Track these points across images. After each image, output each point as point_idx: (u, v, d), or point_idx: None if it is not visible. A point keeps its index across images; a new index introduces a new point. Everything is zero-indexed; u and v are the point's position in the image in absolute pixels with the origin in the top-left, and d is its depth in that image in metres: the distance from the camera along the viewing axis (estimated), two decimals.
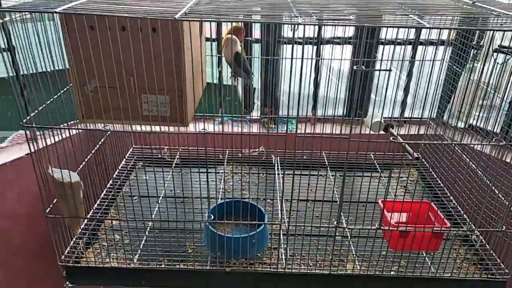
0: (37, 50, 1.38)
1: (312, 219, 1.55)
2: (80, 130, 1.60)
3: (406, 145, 1.59)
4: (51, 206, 1.53)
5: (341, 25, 1.42)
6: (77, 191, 1.46)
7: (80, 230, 1.63)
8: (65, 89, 1.54)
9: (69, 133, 1.47)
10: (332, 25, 1.32)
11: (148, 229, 1.84)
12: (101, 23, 1.36)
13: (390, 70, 1.25)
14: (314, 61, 2.43)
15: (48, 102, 1.47)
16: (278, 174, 2.27)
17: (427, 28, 1.17)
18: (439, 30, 1.99)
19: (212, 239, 1.57)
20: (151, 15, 1.24)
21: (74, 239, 1.71)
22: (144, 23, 1.40)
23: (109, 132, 2.10)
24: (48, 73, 1.40)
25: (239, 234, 1.61)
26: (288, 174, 2.32)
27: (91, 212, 1.90)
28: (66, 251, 1.66)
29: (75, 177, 1.46)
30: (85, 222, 1.81)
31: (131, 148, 2.52)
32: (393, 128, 2.37)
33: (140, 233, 1.82)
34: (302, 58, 1.34)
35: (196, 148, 2.26)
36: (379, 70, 1.30)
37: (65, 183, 1.43)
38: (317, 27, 2.38)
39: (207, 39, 2.41)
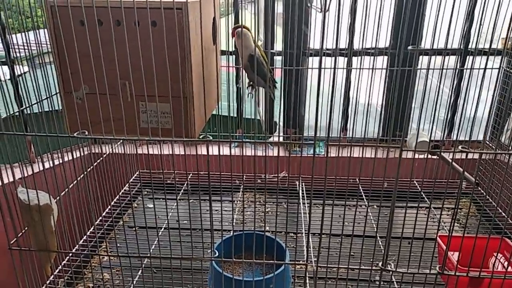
0: None
1: (349, 259, 1.18)
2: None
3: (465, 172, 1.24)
4: (19, 235, 1.23)
5: None
6: (46, 217, 1.15)
7: (51, 265, 1.31)
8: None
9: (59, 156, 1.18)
10: None
11: (143, 267, 1.50)
12: (92, 16, 1.11)
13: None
14: (344, 74, 2.11)
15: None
16: (304, 203, 1.91)
17: None
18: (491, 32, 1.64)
19: (217, 282, 1.22)
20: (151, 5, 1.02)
21: (50, 278, 1.39)
22: (143, 15, 1.13)
23: (105, 155, 1.82)
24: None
25: (252, 276, 1.24)
26: (316, 204, 1.96)
27: (77, 245, 1.58)
28: None
29: (45, 199, 1.15)
30: (68, 257, 1.50)
31: (137, 172, 2.23)
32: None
33: (134, 271, 1.49)
34: (335, 68, 1.05)
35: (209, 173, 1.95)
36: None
37: (32, 206, 1.13)
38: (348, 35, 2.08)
39: (223, 52, 2.16)
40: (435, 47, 1.12)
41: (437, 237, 1.30)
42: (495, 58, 2.03)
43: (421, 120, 1.34)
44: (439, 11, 1.02)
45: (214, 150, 1.99)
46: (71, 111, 1.23)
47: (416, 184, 2.01)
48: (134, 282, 1.45)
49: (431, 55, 1.15)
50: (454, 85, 2.14)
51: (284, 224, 1.57)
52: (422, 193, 1.96)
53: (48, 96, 1.32)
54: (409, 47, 1.00)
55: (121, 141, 2.02)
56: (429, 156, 1.72)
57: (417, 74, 2.01)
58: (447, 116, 2.13)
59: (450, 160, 1.32)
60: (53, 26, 1.17)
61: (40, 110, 1.28)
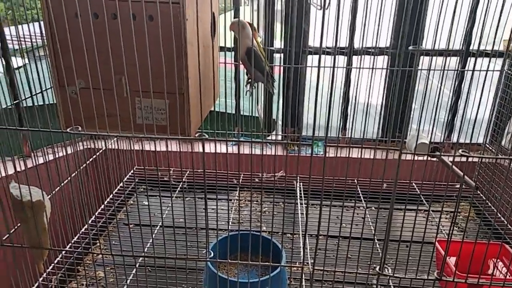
0: None
1: (346, 261, 1.16)
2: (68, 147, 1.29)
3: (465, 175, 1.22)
4: (12, 231, 1.21)
5: None
6: (39, 214, 1.13)
7: (44, 262, 1.29)
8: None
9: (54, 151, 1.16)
10: None
11: (137, 265, 1.48)
12: (87, 9, 1.09)
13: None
14: (344, 73, 2.09)
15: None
16: (301, 204, 1.89)
17: None
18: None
19: (212, 282, 1.20)
20: None
21: (44, 275, 1.37)
22: (139, 9, 1.11)
23: (100, 151, 1.80)
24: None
25: (248, 277, 1.23)
26: (313, 205, 1.94)
27: (71, 242, 1.56)
28: None
29: (38, 195, 1.13)
30: (62, 253, 1.48)
31: (133, 168, 2.21)
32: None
33: (128, 269, 1.47)
34: (334, 67, 1.02)
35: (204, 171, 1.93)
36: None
37: (24, 202, 1.11)
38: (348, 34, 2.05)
39: (222, 49, 2.12)
40: (436, 47, 1.10)
41: (436, 242, 1.28)
42: (496, 60, 2.01)
43: (421, 121, 1.32)
44: (440, 11, 1.01)
45: (211, 147, 1.97)
46: (66, 106, 1.21)
47: (415, 187, 2.00)
48: (128, 280, 1.43)
49: (432, 56, 1.13)
50: (455, 86, 2.12)
51: (281, 224, 1.56)
52: (421, 195, 1.95)
53: (42, 90, 1.29)
54: (410, 47, 0.98)
55: (117, 137, 2.00)
56: (429, 158, 1.69)
57: (418, 74, 1.99)
58: (447, 118, 2.11)
59: (450, 164, 1.30)
60: (48, 18, 1.15)
61: (36, 104, 1.26)
